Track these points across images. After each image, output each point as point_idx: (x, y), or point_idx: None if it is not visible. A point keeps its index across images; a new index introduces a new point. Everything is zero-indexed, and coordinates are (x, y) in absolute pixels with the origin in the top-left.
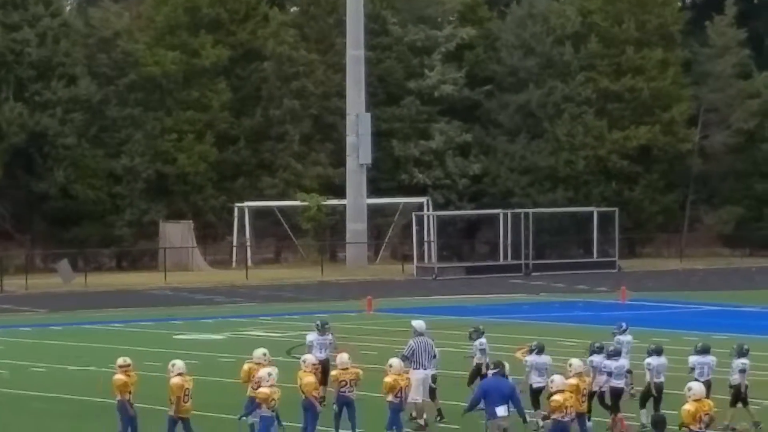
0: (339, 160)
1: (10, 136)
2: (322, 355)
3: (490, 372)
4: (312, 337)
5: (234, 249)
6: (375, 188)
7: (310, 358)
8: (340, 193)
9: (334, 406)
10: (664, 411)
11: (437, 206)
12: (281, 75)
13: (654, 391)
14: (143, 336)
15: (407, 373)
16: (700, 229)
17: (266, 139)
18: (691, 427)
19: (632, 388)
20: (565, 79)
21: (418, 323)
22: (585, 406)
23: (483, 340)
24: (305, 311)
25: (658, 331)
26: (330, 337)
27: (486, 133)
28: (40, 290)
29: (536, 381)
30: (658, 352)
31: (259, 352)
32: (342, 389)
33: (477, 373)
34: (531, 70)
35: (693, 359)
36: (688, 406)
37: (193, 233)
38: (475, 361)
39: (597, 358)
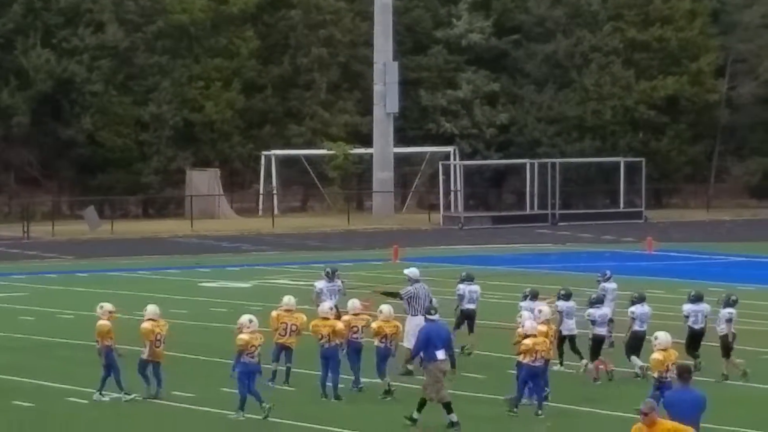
0: (366, 109)
1: (37, 83)
2: (331, 302)
3: (429, 317)
4: (321, 284)
5: (260, 197)
6: (402, 137)
7: (325, 306)
8: (367, 141)
9: (344, 351)
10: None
11: (464, 155)
12: (309, 23)
13: (631, 339)
14: (169, 283)
15: (395, 320)
16: (728, 180)
17: (293, 87)
18: (661, 375)
19: (611, 337)
20: (592, 28)
21: (412, 271)
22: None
23: (464, 285)
24: (331, 260)
25: (684, 282)
26: (339, 283)
27: (513, 83)
28: (66, 237)
29: (568, 327)
30: (641, 300)
31: (287, 299)
32: (354, 335)
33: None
34: (558, 19)
35: (687, 307)
36: (657, 355)
37: (219, 181)
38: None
39: (562, 304)
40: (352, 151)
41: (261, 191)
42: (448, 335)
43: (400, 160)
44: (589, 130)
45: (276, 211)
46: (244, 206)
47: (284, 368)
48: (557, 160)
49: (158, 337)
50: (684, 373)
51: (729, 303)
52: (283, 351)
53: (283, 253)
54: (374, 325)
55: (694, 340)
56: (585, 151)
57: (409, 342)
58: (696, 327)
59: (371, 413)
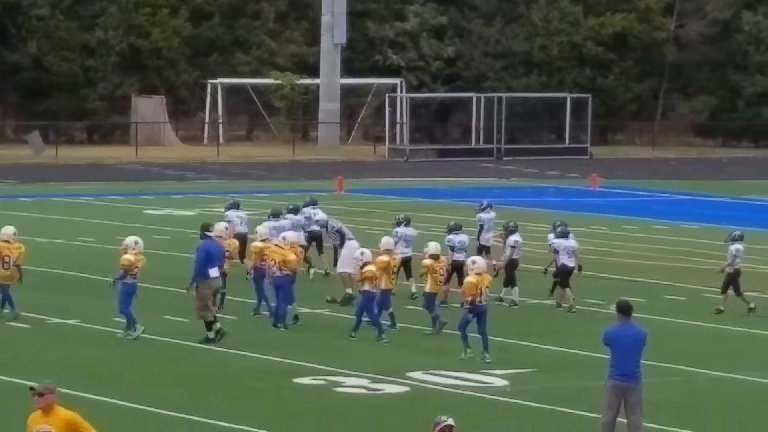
0: (313, 39)
1: None
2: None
3: (207, 233)
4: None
5: (206, 125)
6: (349, 69)
7: (290, 235)
8: (313, 72)
9: (249, 277)
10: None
11: (410, 88)
12: None
13: (557, 270)
14: (113, 210)
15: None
16: (673, 118)
17: (241, 16)
18: (474, 299)
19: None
20: None
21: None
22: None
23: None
24: (275, 189)
25: (628, 218)
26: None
27: (461, 16)
28: (10, 162)
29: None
30: (565, 234)
31: (218, 225)
32: (263, 262)
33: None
34: None
35: (557, 242)
36: (471, 278)
37: (165, 108)
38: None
39: (453, 237)
40: (298, 82)
41: (206, 119)
42: (221, 253)
43: (347, 92)
44: (535, 66)
45: (221, 140)
46: (189, 134)
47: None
48: (503, 95)
49: (6, 259)
50: (625, 309)
51: (735, 239)
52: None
53: (228, 182)
54: (372, 268)
55: (566, 275)
56: (531, 87)
57: (347, 268)
58: (569, 264)
59: (309, 341)
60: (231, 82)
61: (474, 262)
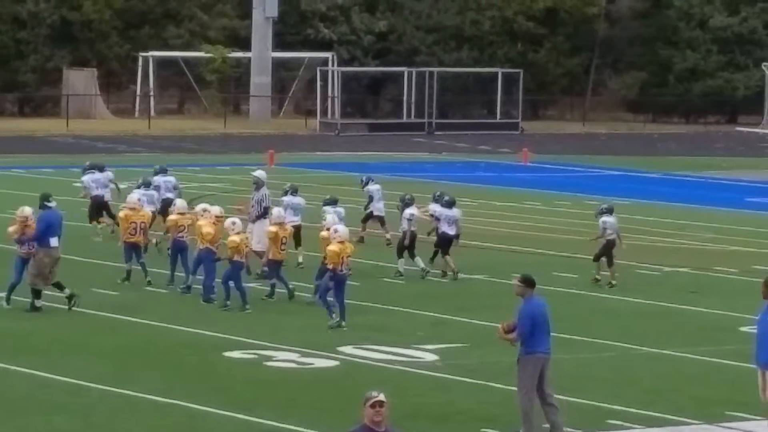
0: (245, 13)
1: None
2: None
3: (47, 204)
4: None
5: (137, 98)
6: (280, 42)
7: (215, 209)
8: (245, 45)
9: (169, 251)
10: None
11: (342, 62)
12: None
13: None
14: (43, 182)
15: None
16: (604, 94)
17: None
18: (336, 267)
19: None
20: None
21: (262, 173)
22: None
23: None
24: (206, 163)
25: (559, 194)
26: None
27: None
28: None
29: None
30: (450, 204)
31: (131, 197)
32: (179, 234)
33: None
34: None
35: (439, 210)
36: (333, 247)
37: (96, 81)
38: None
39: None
40: (230, 55)
41: (138, 92)
42: (60, 220)
43: (278, 65)
44: (467, 40)
45: (152, 113)
46: (120, 107)
47: (138, 267)
48: (435, 69)
49: None
50: (534, 283)
51: (603, 211)
52: (134, 250)
53: (159, 155)
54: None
55: (446, 243)
56: (463, 61)
57: (262, 244)
58: (450, 232)
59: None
60: (162, 55)
61: (336, 231)
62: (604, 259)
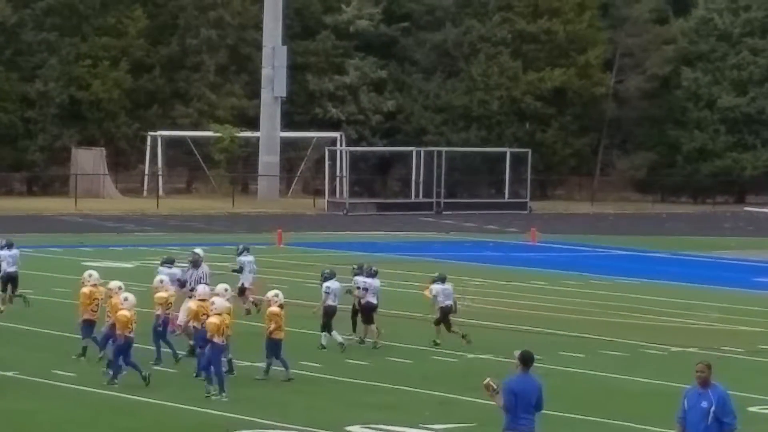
0: (254, 92)
1: None
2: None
3: None
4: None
5: (145, 177)
6: (289, 121)
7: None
8: (253, 125)
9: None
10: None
11: (350, 142)
12: (199, 4)
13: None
14: (51, 262)
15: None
16: (612, 174)
17: (181, 68)
18: (215, 338)
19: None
20: (481, 18)
21: (200, 251)
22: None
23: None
24: (214, 242)
25: (567, 273)
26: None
27: (401, 70)
28: None
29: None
30: (442, 279)
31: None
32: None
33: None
34: (448, 8)
35: (435, 287)
36: (213, 319)
37: (105, 160)
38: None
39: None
40: (238, 134)
41: (146, 172)
42: None
43: (287, 145)
44: (475, 120)
45: (161, 192)
46: (129, 186)
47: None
48: (443, 149)
49: None
50: (528, 360)
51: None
52: (91, 326)
53: (167, 235)
54: (215, 320)
55: (370, 312)
56: (471, 141)
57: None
58: (443, 304)
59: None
60: (171, 135)
61: (213, 303)
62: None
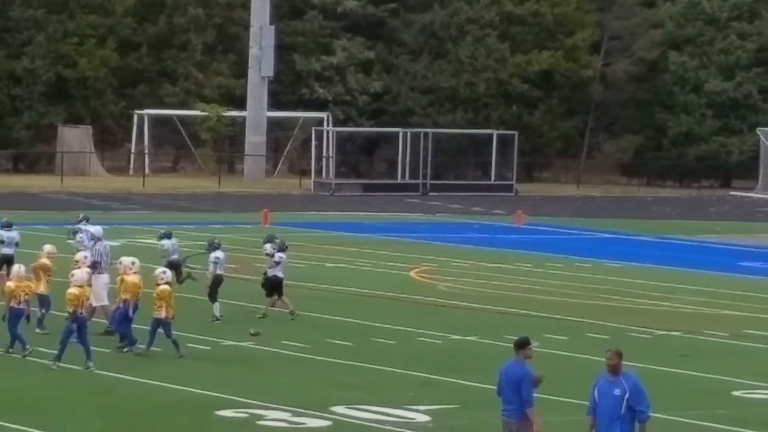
0: (241, 72)
1: None
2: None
3: None
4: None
5: (132, 156)
6: (276, 101)
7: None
8: (240, 104)
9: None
10: None
11: (337, 122)
12: None
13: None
14: (37, 239)
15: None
16: (599, 157)
17: (169, 47)
18: (76, 310)
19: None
20: (469, 0)
21: (97, 228)
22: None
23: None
24: (201, 221)
25: (552, 256)
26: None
27: (389, 52)
28: None
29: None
30: (283, 248)
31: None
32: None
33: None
34: None
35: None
36: (73, 290)
37: (91, 138)
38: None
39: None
40: (225, 114)
41: (132, 150)
42: None
43: (273, 125)
44: (462, 102)
45: (147, 171)
46: (115, 165)
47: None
48: (430, 130)
49: None
50: (516, 345)
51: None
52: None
53: (153, 213)
54: (10, 284)
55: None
56: (457, 123)
57: (97, 300)
58: (280, 275)
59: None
60: (157, 113)
61: (72, 275)
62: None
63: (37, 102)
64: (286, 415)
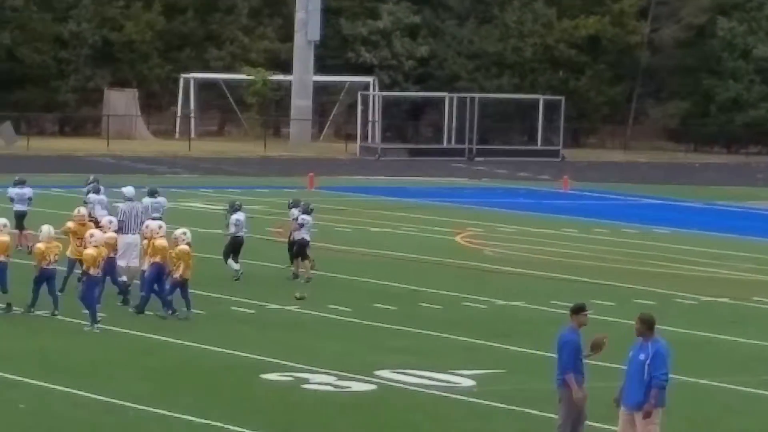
0: (287, 36)
1: None
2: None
3: None
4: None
5: (178, 120)
6: (322, 66)
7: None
8: (286, 69)
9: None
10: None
11: (383, 87)
12: None
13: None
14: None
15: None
16: (646, 123)
17: (215, 11)
18: (91, 271)
19: None
20: None
21: (128, 189)
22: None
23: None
24: (246, 185)
25: (598, 221)
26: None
27: (435, 16)
28: None
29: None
30: (308, 211)
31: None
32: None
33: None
34: None
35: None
36: (40, 245)
37: (137, 102)
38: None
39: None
40: (271, 78)
41: (178, 114)
42: None
43: (319, 89)
44: (508, 67)
45: (193, 135)
46: (160, 128)
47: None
48: (476, 95)
49: None
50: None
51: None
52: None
53: (198, 177)
54: (40, 246)
55: (304, 248)
56: (504, 88)
57: (120, 260)
58: (307, 237)
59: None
60: (203, 77)
61: (40, 230)
62: None
63: (84, 65)
64: (331, 379)
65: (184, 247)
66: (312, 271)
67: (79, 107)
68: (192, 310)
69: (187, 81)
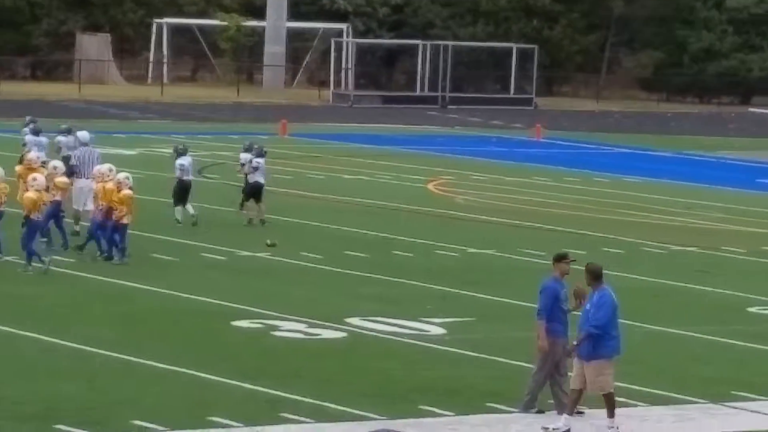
0: None
1: None
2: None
3: None
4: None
5: (150, 65)
6: (296, 12)
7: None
8: (260, 14)
9: None
10: None
11: (357, 34)
12: None
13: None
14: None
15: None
16: (618, 72)
17: None
18: (32, 215)
19: None
20: None
21: (83, 134)
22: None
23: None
24: (218, 131)
25: (570, 170)
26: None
27: None
28: None
29: None
30: (261, 154)
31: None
32: None
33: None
34: None
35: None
36: (31, 194)
37: (110, 46)
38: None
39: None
40: (244, 24)
41: (151, 59)
42: None
43: (293, 35)
44: (482, 15)
45: (165, 80)
46: (133, 73)
47: None
48: (450, 43)
49: None
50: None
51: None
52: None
53: (171, 123)
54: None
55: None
56: (477, 36)
57: (78, 204)
58: (261, 180)
59: None
60: (177, 22)
61: (35, 179)
62: None
63: (56, 9)
64: (301, 326)
65: (127, 191)
66: (266, 215)
67: (52, 51)
68: (126, 258)
69: (160, 26)
